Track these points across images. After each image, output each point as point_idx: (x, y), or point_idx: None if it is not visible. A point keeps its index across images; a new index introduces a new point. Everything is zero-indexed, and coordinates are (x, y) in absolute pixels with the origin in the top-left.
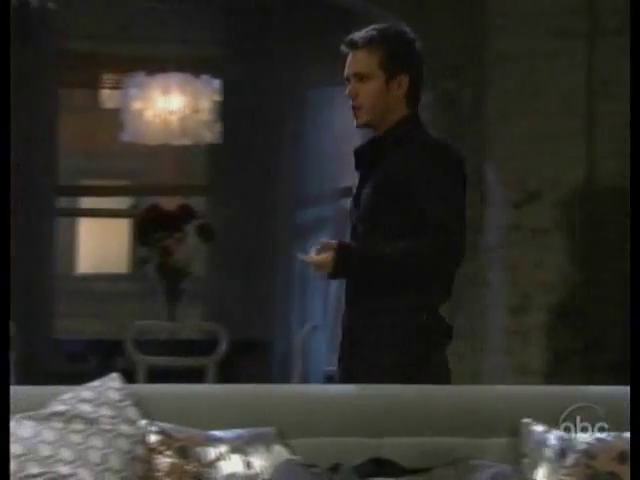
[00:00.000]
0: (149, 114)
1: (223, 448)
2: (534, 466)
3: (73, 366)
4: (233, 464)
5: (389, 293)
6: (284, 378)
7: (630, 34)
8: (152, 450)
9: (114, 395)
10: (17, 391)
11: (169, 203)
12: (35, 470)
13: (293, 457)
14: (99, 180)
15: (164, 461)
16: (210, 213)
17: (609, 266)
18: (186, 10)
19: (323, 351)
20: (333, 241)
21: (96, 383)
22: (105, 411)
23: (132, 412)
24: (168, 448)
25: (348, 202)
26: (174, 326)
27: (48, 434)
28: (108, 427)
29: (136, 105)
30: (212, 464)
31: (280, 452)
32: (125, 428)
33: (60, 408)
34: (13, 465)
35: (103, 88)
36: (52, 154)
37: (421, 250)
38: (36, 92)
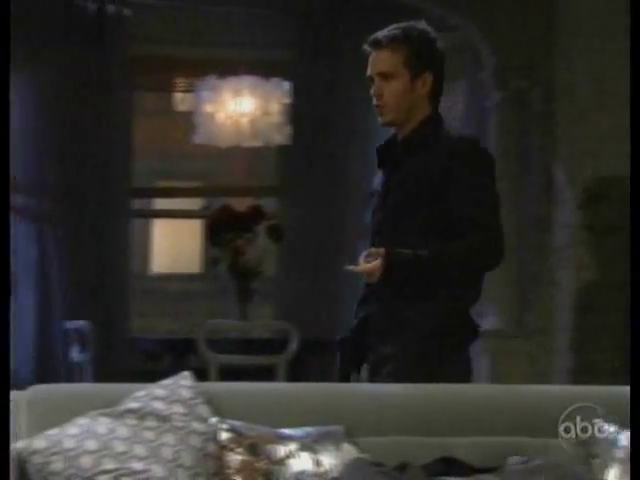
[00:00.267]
0: (221, 116)
1: (293, 446)
2: (605, 466)
3: (147, 364)
4: (302, 462)
5: (424, 295)
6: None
7: (630, 34)
8: (223, 447)
9: (186, 393)
10: (93, 388)
11: (240, 204)
12: (110, 466)
13: (362, 455)
14: (172, 182)
15: (235, 458)
16: (280, 214)
17: None
18: (256, 13)
19: None
20: (381, 249)
21: (168, 381)
22: (177, 408)
23: (203, 410)
24: (239, 445)
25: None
26: (245, 325)
27: (122, 430)
28: (180, 424)
29: (208, 108)
30: (282, 462)
31: (349, 450)
32: (197, 425)
33: (134, 405)
34: (89, 460)
35: (176, 91)
36: (127, 157)
37: (463, 251)
38: (112, 96)
